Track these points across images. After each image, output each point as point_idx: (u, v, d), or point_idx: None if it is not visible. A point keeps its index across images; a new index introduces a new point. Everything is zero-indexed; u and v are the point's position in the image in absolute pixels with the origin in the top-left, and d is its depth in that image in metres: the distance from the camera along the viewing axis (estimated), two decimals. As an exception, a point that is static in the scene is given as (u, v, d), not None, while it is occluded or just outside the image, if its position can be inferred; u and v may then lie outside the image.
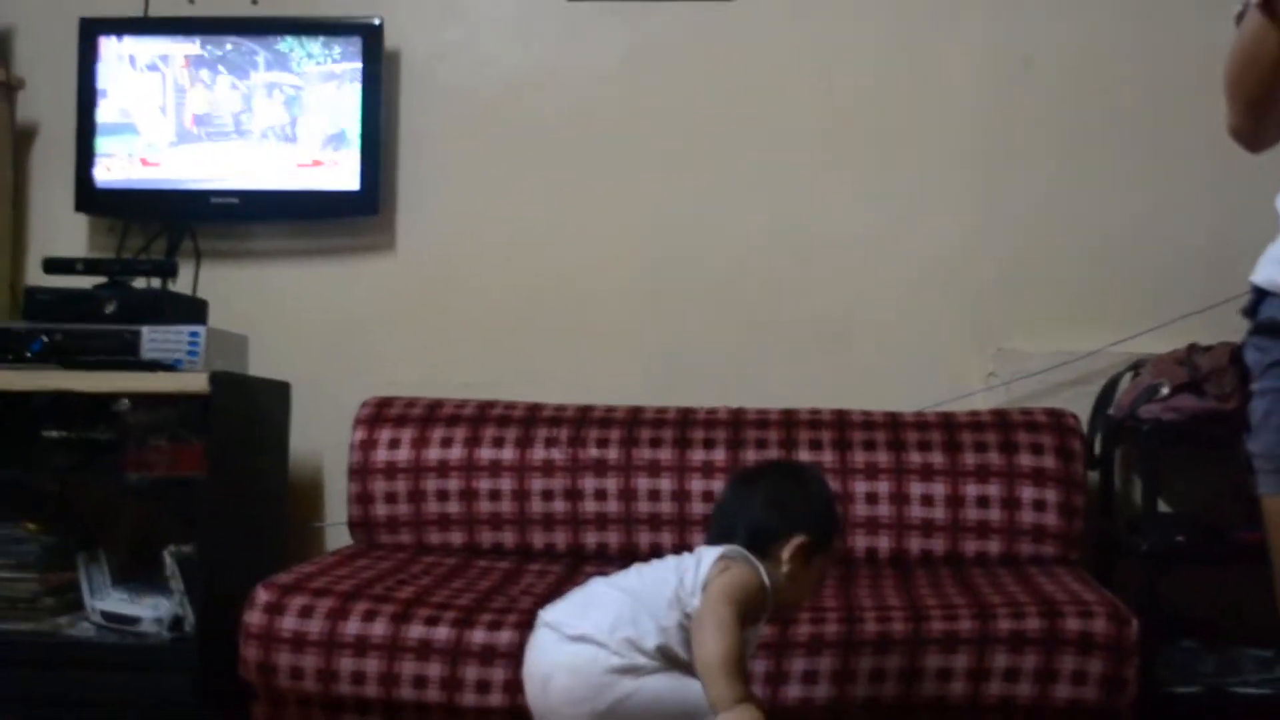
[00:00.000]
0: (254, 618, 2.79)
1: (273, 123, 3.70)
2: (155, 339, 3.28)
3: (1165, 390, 3.14)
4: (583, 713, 2.03)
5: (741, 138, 3.74)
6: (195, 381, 3.19)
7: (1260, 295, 1.57)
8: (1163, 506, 3.34)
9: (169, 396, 3.25)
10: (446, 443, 3.41)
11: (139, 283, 3.57)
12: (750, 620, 2.13)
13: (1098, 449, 3.44)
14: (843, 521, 2.33)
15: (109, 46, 3.73)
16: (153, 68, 3.73)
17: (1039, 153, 3.64)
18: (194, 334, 3.29)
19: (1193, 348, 3.21)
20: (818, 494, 2.31)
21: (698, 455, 3.35)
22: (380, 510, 3.41)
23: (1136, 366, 3.33)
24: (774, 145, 3.72)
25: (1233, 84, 1.77)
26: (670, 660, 2.07)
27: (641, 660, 2.04)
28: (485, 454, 3.39)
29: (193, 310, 3.55)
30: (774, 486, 2.29)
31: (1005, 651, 2.62)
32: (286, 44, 3.70)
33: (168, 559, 3.21)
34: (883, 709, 2.65)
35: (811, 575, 2.25)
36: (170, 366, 3.26)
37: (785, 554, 2.19)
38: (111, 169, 3.72)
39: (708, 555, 2.16)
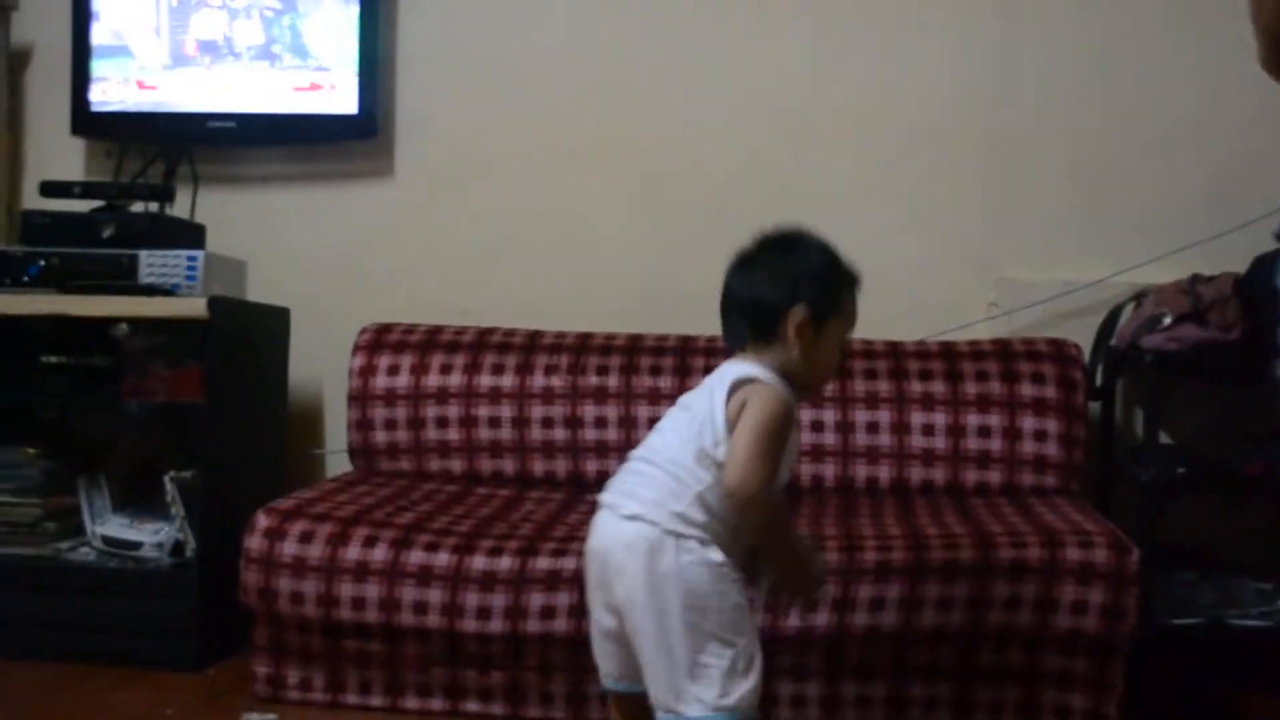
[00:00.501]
0: (254, 543, 2.81)
1: (270, 45, 3.67)
2: (153, 263, 3.27)
3: (1167, 320, 3.13)
4: (638, 584, 2.00)
5: (738, 60, 3.71)
6: (193, 306, 3.18)
7: None
8: (1164, 438, 3.34)
9: (167, 321, 3.23)
10: (446, 369, 3.40)
11: (136, 207, 3.55)
12: (783, 442, 2.06)
13: (1099, 379, 3.43)
14: (849, 280, 2.13)
15: (104, -33, 3.69)
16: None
17: (1041, 81, 3.60)
18: (192, 258, 3.28)
19: (1195, 278, 3.20)
20: (810, 258, 2.14)
21: (696, 382, 3.32)
22: (380, 437, 3.41)
23: (1139, 297, 3.32)
24: (771, 66, 3.69)
25: (1254, 17, 1.74)
26: (719, 521, 2.03)
27: (692, 531, 2.00)
28: (485, 381, 3.38)
29: (191, 235, 3.54)
30: (763, 264, 2.16)
31: (1006, 581, 2.63)
32: (284, -35, 3.67)
33: (168, 484, 3.21)
34: (882, 637, 2.66)
35: (828, 346, 2.11)
36: (168, 291, 3.25)
37: (790, 333, 2.07)
38: (108, 92, 3.70)
39: (719, 393, 2.06)
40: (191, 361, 3.23)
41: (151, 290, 3.25)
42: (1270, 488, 3.14)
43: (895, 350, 3.33)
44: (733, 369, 2.09)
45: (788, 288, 2.09)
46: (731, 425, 2.02)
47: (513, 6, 3.77)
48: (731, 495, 1.98)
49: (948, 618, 2.64)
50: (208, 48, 3.68)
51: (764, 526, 2.05)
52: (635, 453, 2.15)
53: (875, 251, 3.34)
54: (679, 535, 1.99)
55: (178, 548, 3.20)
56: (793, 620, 2.65)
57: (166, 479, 3.22)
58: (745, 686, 1.98)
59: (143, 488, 3.39)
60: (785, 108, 3.68)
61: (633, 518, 2.03)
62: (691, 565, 1.99)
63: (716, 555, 2.00)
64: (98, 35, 3.69)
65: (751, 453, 1.98)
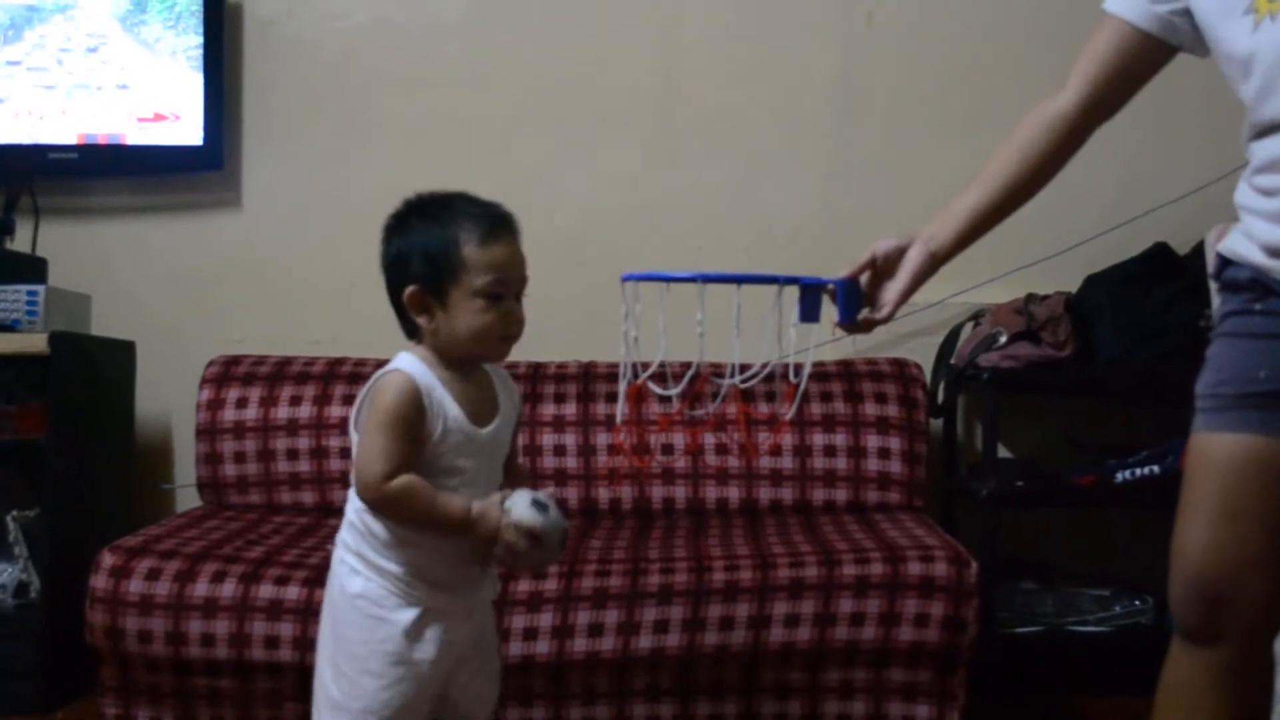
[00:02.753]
0: (99, 582, 2.75)
1: (114, 76, 3.61)
2: (-8, 299, 3.21)
3: (1003, 339, 3.22)
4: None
5: (583, 95, 3.73)
6: (35, 342, 3.13)
7: (1225, 262, 1.64)
8: (1003, 452, 3.43)
9: (8, 358, 3.18)
10: (296, 401, 3.37)
11: (-25, 242, 3.48)
12: (420, 425, 2.00)
13: (940, 397, 3.51)
14: (467, 234, 2.03)
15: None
16: (-15, 20, 3.63)
17: (882, 110, 3.68)
18: (32, 293, 3.23)
19: (1030, 297, 3.29)
20: (409, 232, 2.08)
21: (548, 409, 3.36)
22: (229, 470, 3.36)
23: (977, 316, 3.40)
24: (615, 102, 3.73)
25: None
26: (375, 538, 2.04)
27: (347, 557, 2.07)
28: (336, 411, 3.36)
29: (31, 269, 3.47)
30: (384, 246, 2.12)
31: (850, 596, 2.68)
32: (125, -4, 3.62)
33: (10, 523, 3.16)
34: (732, 656, 2.69)
35: (462, 311, 2.02)
36: (9, 327, 3.19)
37: (415, 314, 2.04)
38: (-57, 123, 3.62)
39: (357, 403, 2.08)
40: (34, 398, 3.18)
41: (-9, 326, 3.19)
42: (1102, 498, 3.24)
43: (729, 370, 3.37)
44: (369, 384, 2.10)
45: (400, 268, 2.06)
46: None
47: (358, 39, 3.75)
48: (360, 498, 2.01)
49: (795, 634, 2.68)
50: (47, 77, 3.61)
51: (409, 518, 2.01)
52: None
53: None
54: (341, 559, 2.07)
55: (21, 589, 3.14)
56: (644, 641, 2.68)
57: (9, 518, 3.16)
58: None
59: (-15, 528, 3.33)
60: (636, 138, 3.72)
61: None
62: (336, 587, 2.07)
63: (354, 585, 2.03)
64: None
65: (363, 450, 1.99)
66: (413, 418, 2.00)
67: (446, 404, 2.04)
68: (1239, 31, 1.59)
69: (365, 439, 1.99)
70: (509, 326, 2.07)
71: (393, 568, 2.02)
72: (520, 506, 2.01)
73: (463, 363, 2.09)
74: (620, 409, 2.03)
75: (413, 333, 2.09)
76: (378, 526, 2.02)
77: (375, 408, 1.99)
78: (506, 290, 2.05)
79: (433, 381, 2.03)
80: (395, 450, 1.97)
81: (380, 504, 2.00)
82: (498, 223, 2.09)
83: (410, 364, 2.03)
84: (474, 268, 2.02)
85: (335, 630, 2.06)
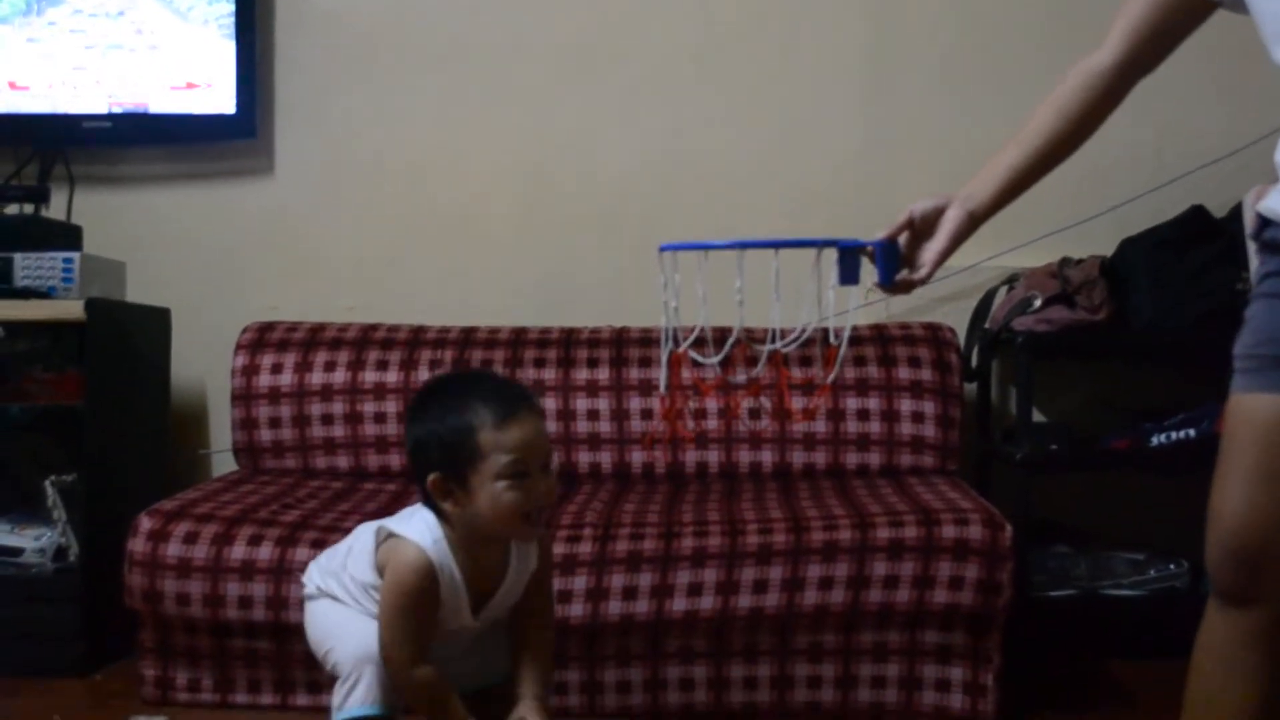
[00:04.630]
0: (138, 545, 2.78)
1: (147, 45, 3.61)
2: (28, 266, 3.22)
3: (1038, 302, 3.20)
4: None
5: (615, 64, 3.72)
6: (71, 309, 3.14)
7: (1265, 222, 1.63)
8: (1037, 416, 3.42)
9: (45, 324, 3.20)
10: (330, 366, 3.39)
11: (10, 209, 3.49)
12: (435, 604, 2.10)
13: (974, 361, 3.50)
14: (489, 422, 2.03)
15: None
16: (19, -12, 3.64)
17: (914, 74, 3.66)
18: (68, 260, 3.24)
19: (1064, 261, 3.27)
20: (431, 421, 2.11)
21: (582, 374, 3.36)
22: (264, 435, 3.38)
23: (1011, 280, 3.38)
24: (648, 70, 3.71)
25: None
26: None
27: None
28: (369, 377, 3.37)
29: (67, 236, 3.49)
30: (406, 430, 2.17)
31: (884, 559, 2.68)
32: (157, -36, 3.62)
33: (49, 489, 3.17)
34: (766, 618, 2.70)
35: (484, 496, 2.05)
36: (45, 294, 3.20)
37: (438, 497, 2.09)
38: (-21, 92, 3.63)
39: (369, 542, 2.18)
40: (71, 364, 3.20)
41: (27, 293, 3.20)
42: (1138, 462, 3.23)
43: (769, 335, 3.36)
44: (401, 517, 2.19)
45: (420, 455, 2.11)
46: (380, 570, 2.14)
47: (392, 6, 3.75)
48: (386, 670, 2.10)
49: (829, 597, 2.68)
50: (82, 47, 3.61)
51: (418, 704, 2.12)
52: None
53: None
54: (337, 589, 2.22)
55: (60, 553, 3.16)
56: (678, 603, 2.68)
57: (47, 483, 3.17)
58: None
59: (24, 493, 3.34)
60: (669, 110, 3.70)
61: None
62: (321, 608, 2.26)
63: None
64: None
65: (388, 631, 2.08)
66: (430, 599, 2.08)
67: (453, 595, 2.12)
68: None
69: (387, 618, 2.08)
70: (533, 502, 2.09)
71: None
72: None
73: (479, 537, 2.13)
74: (663, 377, 2.02)
75: (437, 513, 2.14)
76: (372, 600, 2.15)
77: (395, 587, 2.08)
78: (529, 467, 2.07)
79: (449, 564, 2.10)
80: (416, 632, 2.07)
81: (402, 682, 2.08)
82: (513, 403, 2.10)
83: (429, 539, 2.10)
84: (492, 451, 2.05)
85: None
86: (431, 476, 2.07)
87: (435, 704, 2.10)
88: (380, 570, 2.12)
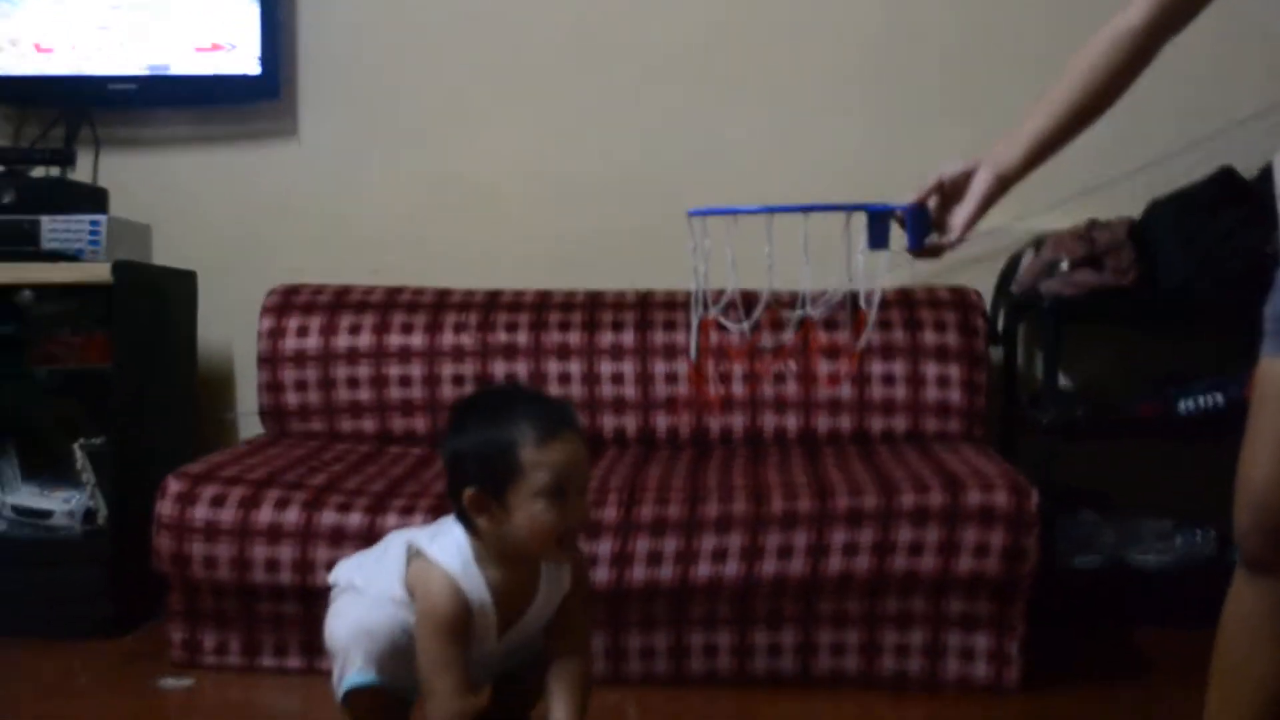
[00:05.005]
0: (165, 508, 2.79)
1: (170, 5, 3.61)
2: (55, 229, 3.23)
3: (1065, 266, 3.18)
4: None
5: (636, 39, 3.70)
6: (98, 271, 3.15)
7: None
8: (1063, 381, 3.40)
9: (72, 287, 3.21)
10: (355, 329, 3.39)
11: (37, 172, 3.49)
12: (464, 627, 2.07)
13: (1000, 325, 3.49)
14: (531, 441, 2.00)
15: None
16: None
17: (924, 55, 3.63)
18: (95, 223, 3.24)
19: (1092, 223, 3.25)
20: (472, 436, 2.07)
21: (606, 338, 3.36)
22: (291, 399, 3.39)
23: (1038, 243, 3.36)
24: (668, 45, 3.69)
25: None
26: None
27: None
28: (395, 340, 3.38)
29: (93, 199, 3.49)
30: (446, 443, 2.13)
31: (909, 525, 2.67)
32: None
33: (78, 452, 3.19)
34: (790, 584, 2.70)
35: (521, 513, 2.02)
36: (72, 256, 3.21)
37: (473, 513, 2.05)
38: (5, 54, 3.62)
39: (400, 558, 2.14)
40: (98, 327, 3.21)
41: (54, 256, 3.21)
42: (1165, 429, 3.21)
43: (799, 300, 3.35)
44: (431, 533, 2.15)
45: (458, 469, 2.08)
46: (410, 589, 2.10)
47: (415, -35, 3.75)
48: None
49: (853, 564, 2.68)
50: (103, 14, 3.61)
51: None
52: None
53: (785, 202, 3.41)
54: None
55: (89, 515, 3.19)
56: (703, 569, 2.69)
57: (76, 446, 3.20)
58: None
59: (52, 456, 3.36)
60: (690, 79, 3.68)
61: None
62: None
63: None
64: (-8, -2, 3.63)
65: (428, 660, 2.05)
66: (465, 623, 2.06)
67: (482, 616, 2.09)
68: None
69: (425, 646, 2.04)
70: (569, 522, 2.07)
71: None
72: None
73: (511, 556, 2.10)
74: (693, 343, 2.02)
75: (468, 528, 2.10)
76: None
77: (430, 615, 2.05)
78: (568, 488, 2.04)
79: (479, 586, 2.07)
80: (457, 655, 2.04)
81: (447, 712, 2.03)
82: (556, 422, 2.06)
83: (459, 563, 2.07)
84: (532, 469, 2.01)
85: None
86: (469, 491, 2.03)
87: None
88: (408, 589, 2.09)
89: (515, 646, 2.17)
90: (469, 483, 2.03)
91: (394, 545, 2.19)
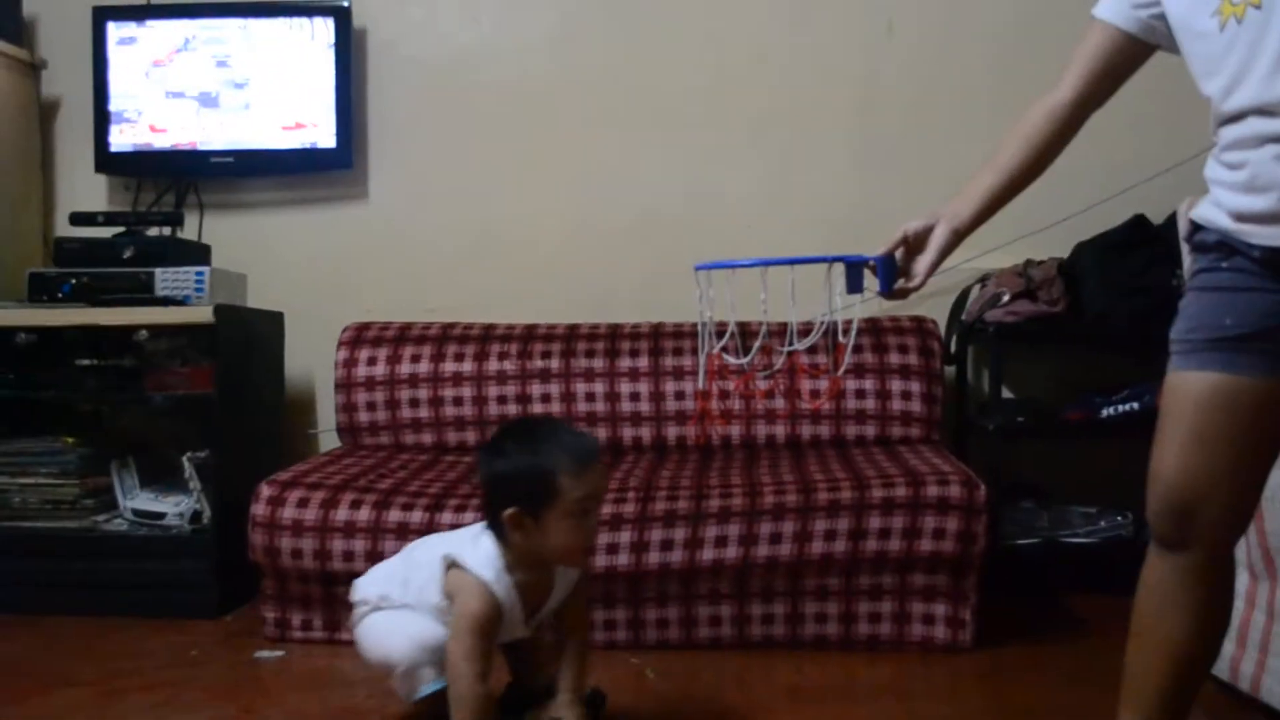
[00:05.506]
0: (259, 509, 2.81)
1: (261, 92, 3.64)
2: (167, 279, 3.25)
3: (1006, 298, 3.19)
4: None
5: (646, 100, 3.71)
6: (202, 314, 3.17)
7: (1196, 227, 1.63)
8: (1006, 393, 3.41)
9: (181, 327, 3.23)
10: (416, 358, 3.41)
11: (152, 232, 3.53)
12: (495, 627, 2.04)
13: (953, 348, 3.49)
14: (564, 468, 1.99)
15: (117, 30, 3.65)
16: (156, 46, 3.65)
17: (901, 107, 3.63)
18: (200, 273, 3.27)
19: (1028, 263, 3.26)
20: (513, 461, 2.04)
21: (624, 363, 3.37)
22: (362, 417, 3.41)
23: (983, 279, 3.36)
24: (674, 105, 3.70)
25: None
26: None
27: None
28: (449, 367, 3.39)
29: (198, 253, 3.52)
30: (484, 464, 2.10)
31: (879, 514, 2.68)
32: (269, 23, 3.63)
33: (186, 464, 3.20)
34: (780, 565, 2.70)
35: (555, 530, 2.01)
36: (181, 301, 3.24)
37: (509, 530, 2.02)
38: (124, 135, 3.66)
39: (437, 569, 2.10)
40: (203, 360, 3.22)
41: (166, 301, 3.24)
42: (1091, 431, 3.22)
43: (787, 329, 3.36)
44: (464, 540, 2.11)
45: (499, 490, 2.05)
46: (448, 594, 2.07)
47: (463, 56, 3.76)
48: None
49: (833, 547, 2.69)
50: (208, 95, 3.64)
51: (459, 694, 2.01)
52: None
53: (774, 246, 3.42)
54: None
55: (196, 516, 3.19)
56: (707, 554, 2.69)
57: (185, 459, 3.21)
58: None
59: (165, 467, 3.37)
60: (694, 134, 3.69)
61: None
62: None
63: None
64: (115, 87, 3.64)
65: (456, 648, 2.00)
66: (496, 625, 2.04)
67: (511, 612, 2.07)
68: (1206, 33, 1.57)
69: (458, 637, 2.01)
70: (591, 538, 2.09)
71: None
72: None
73: (541, 564, 2.09)
74: (700, 377, 2.03)
75: (497, 531, 2.07)
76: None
77: (466, 618, 2.01)
78: (592, 508, 2.06)
79: (509, 589, 2.05)
80: (485, 650, 2.01)
81: (464, 692, 1.99)
82: (590, 454, 2.06)
83: (491, 572, 2.04)
84: (569, 493, 2.00)
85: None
86: (510, 511, 2.00)
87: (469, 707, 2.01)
88: (448, 596, 2.07)
89: (536, 628, 2.18)
90: (510, 503, 2.01)
91: (420, 556, 2.16)
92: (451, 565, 2.07)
